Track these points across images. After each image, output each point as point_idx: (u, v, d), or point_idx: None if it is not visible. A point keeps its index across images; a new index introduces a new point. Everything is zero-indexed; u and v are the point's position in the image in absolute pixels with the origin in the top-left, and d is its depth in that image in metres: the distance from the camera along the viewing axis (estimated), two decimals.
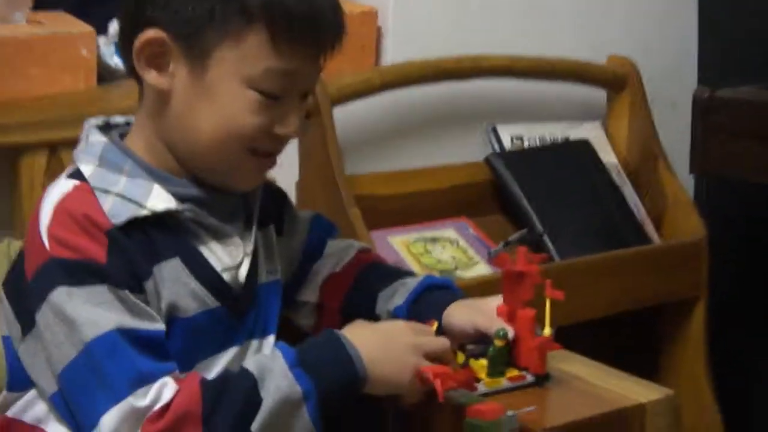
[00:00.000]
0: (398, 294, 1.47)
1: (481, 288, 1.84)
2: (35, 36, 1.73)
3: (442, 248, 2.11)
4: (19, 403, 1.31)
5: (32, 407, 1.30)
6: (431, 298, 1.45)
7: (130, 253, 1.24)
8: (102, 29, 1.83)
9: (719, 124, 2.13)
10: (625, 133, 2.40)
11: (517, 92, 2.33)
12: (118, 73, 1.82)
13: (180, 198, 1.30)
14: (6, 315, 1.31)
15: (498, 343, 1.31)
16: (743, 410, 2.43)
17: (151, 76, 1.28)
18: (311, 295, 1.55)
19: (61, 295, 1.19)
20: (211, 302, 1.32)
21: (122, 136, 1.37)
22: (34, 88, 1.74)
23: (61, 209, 1.24)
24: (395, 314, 1.44)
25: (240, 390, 1.19)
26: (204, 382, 1.20)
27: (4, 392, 1.34)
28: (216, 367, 1.33)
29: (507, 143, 2.30)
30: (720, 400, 2.30)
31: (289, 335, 1.43)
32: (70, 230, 1.22)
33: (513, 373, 1.33)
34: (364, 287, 1.52)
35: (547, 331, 1.31)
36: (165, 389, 1.17)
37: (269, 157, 1.35)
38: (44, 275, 1.21)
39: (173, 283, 1.28)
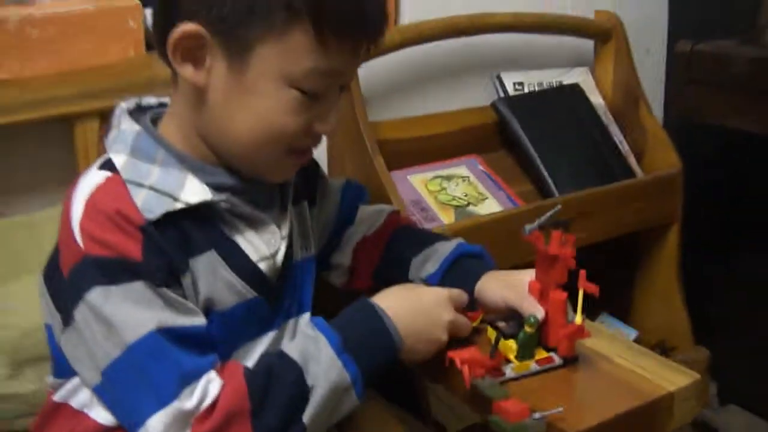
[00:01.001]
0: (431, 261, 1.20)
1: (497, 225, 1.72)
2: (86, 11, 1.46)
3: (456, 185, 1.87)
4: (66, 388, 1.06)
5: (78, 392, 1.05)
6: (464, 268, 1.18)
7: (166, 248, 0.97)
8: (148, 1, 1.54)
9: (698, 75, 1.91)
10: (610, 78, 2.16)
11: (518, 44, 2.12)
12: None
13: (215, 187, 1.02)
14: (47, 304, 1.04)
15: (528, 329, 1.04)
16: (707, 314, 2.26)
17: (187, 72, 0.98)
18: (344, 258, 1.28)
19: (98, 296, 0.93)
20: (249, 293, 1.05)
21: (155, 119, 1.08)
22: (86, 59, 1.47)
23: (92, 204, 0.96)
24: (429, 282, 1.18)
25: (287, 381, 0.95)
26: (248, 376, 0.95)
27: (50, 377, 1.09)
28: (254, 352, 1.07)
29: (510, 89, 2.08)
30: (688, 305, 2.16)
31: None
32: (103, 226, 0.94)
33: (541, 355, 1.06)
34: (396, 252, 1.25)
35: (579, 319, 1.04)
36: (210, 386, 0.93)
37: (306, 153, 1.07)
38: (80, 274, 0.95)
39: (210, 276, 1.02)
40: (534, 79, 2.12)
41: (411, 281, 1.21)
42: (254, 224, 1.07)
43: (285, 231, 1.10)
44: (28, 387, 1.23)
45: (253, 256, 1.06)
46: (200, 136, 1.03)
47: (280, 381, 0.95)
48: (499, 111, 1.99)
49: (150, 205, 0.97)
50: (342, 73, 1.02)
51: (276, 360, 0.98)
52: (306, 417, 0.95)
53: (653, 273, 2.18)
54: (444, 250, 1.21)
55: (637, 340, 2.17)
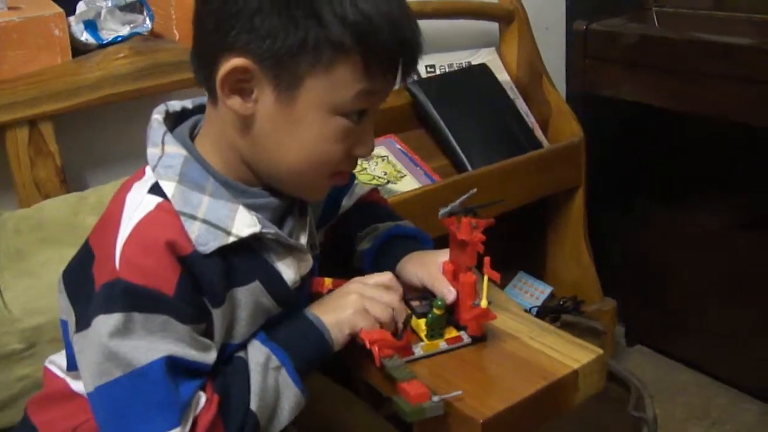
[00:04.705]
0: (368, 238, 1.17)
1: (415, 200, 1.68)
2: (11, 23, 1.37)
3: (375, 165, 1.82)
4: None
5: None
6: (392, 248, 1.14)
7: (204, 281, 0.91)
8: (71, 10, 1.47)
9: (593, 51, 1.89)
10: (515, 56, 2.12)
11: (428, 29, 1.95)
12: (89, 47, 1.48)
13: (256, 207, 0.97)
14: (64, 301, 0.98)
15: (436, 311, 1.00)
16: (613, 266, 2.28)
17: (234, 104, 0.92)
18: (320, 237, 1.21)
19: (118, 321, 0.86)
20: (276, 310, 1.00)
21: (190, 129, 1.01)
22: (14, 68, 1.38)
23: (142, 231, 0.89)
24: (364, 257, 1.15)
25: (237, 373, 0.93)
26: (216, 388, 0.91)
27: (66, 372, 1.04)
28: None
29: (422, 71, 2.03)
30: (595, 261, 2.17)
31: None
32: (145, 254, 0.88)
33: (451, 333, 1.03)
34: (348, 226, 1.21)
35: (484, 303, 0.99)
36: (199, 403, 0.88)
37: (345, 175, 1.02)
38: (109, 294, 0.87)
39: (252, 305, 0.97)
40: (444, 61, 2.07)
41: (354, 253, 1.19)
42: (293, 251, 1.01)
43: (304, 239, 1.04)
44: None
45: (289, 281, 1.00)
46: (241, 158, 0.97)
47: (235, 380, 0.92)
48: (412, 93, 1.95)
49: (204, 239, 0.91)
50: (383, 93, 0.96)
51: (230, 366, 0.95)
52: (252, 405, 0.91)
53: (563, 233, 2.17)
54: (382, 229, 1.18)
55: (551, 295, 2.18)
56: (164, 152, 0.95)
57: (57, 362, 1.06)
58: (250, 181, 0.99)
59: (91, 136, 1.55)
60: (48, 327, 1.19)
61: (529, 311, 2.06)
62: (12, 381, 1.18)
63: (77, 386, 1.01)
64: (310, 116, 0.92)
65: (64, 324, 1.00)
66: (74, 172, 1.50)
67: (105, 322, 0.86)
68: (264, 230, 0.95)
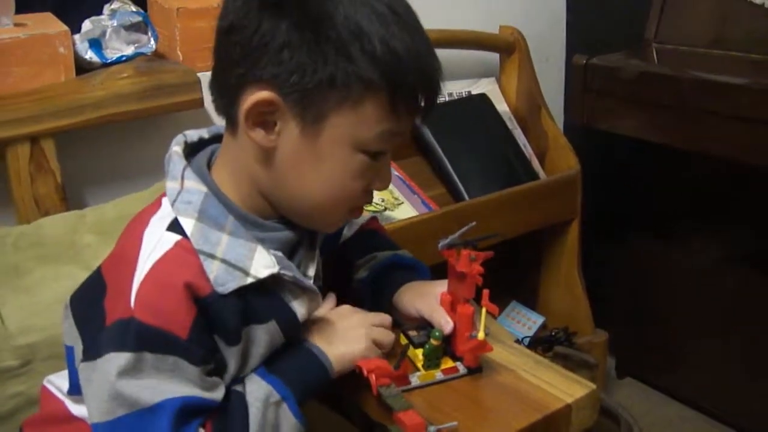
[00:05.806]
0: (366, 267, 1.16)
1: (412, 228, 1.68)
2: (17, 39, 1.38)
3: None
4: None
5: None
6: (389, 278, 1.14)
7: (222, 319, 0.90)
8: (76, 28, 1.48)
9: (592, 85, 1.89)
10: (514, 87, 2.14)
11: None
12: (93, 66, 1.49)
13: (271, 241, 0.97)
14: (70, 327, 0.96)
15: (433, 342, 1.01)
16: (605, 298, 2.27)
17: (257, 136, 0.91)
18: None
19: (130, 360, 0.85)
20: (281, 343, 0.99)
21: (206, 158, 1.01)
22: (19, 84, 1.39)
23: (160, 271, 0.88)
24: (361, 285, 1.15)
25: (236, 410, 0.91)
26: (215, 427, 0.89)
27: (67, 395, 1.02)
28: None
29: None
30: (588, 292, 2.17)
31: None
32: (162, 295, 0.86)
33: (447, 364, 1.03)
34: (347, 253, 1.20)
35: (481, 335, 0.99)
36: None
37: (361, 210, 1.02)
38: (122, 331, 0.86)
39: (267, 343, 0.96)
40: (445, 90, 2.05)
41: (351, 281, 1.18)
42: (307, 290, 1.00)
43: (312, 270, 1.04)
44: None
45: (301, 319, 0.99)
46: (259, 190, 0.97)
47: (232, 414, 0.91)
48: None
49: (223, 280, 0.90)
50: (405, 133, 0.96)
51: (230, 401, 0.93)
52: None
53: (557, 264, 2.17)
54: (380, 258, 1.17)
55: (544, 325, 2.18)
56: (183, 187, 0.94)
57: (56, 383, 1.04)
58: (266, 213, 0.98)
59: (92, 155, 1.56)
60: (43, 344, 1.19)
61: (521, 341, 2.07)
62: (5, 398, 1.17)
63: (77, 410, 1.00)
64: (334, 152, 0.92)
65: (69, 349, 0.99)
66: (74, 190, 1.50)
67: (115, 360, 0.85)
68: (282, 271, 0.94)
